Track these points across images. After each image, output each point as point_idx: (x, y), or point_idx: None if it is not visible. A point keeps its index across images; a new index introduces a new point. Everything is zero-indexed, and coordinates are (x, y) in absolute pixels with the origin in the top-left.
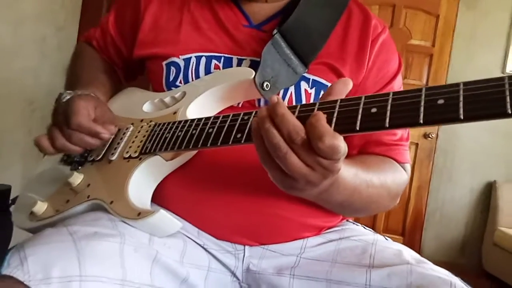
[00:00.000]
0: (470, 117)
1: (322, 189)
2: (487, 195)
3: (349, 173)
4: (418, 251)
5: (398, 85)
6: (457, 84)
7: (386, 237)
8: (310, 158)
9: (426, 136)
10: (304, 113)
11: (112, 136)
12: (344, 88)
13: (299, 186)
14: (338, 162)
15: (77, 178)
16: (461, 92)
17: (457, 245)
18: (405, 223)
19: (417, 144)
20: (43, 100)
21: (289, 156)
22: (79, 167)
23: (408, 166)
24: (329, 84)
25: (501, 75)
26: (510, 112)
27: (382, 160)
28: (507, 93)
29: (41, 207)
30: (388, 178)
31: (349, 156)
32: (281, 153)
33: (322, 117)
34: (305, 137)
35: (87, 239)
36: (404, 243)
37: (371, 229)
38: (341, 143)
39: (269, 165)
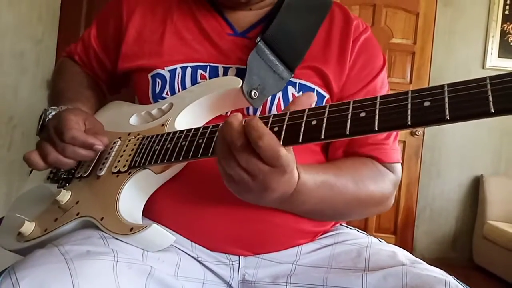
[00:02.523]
0: (456, 118)
1: (279, 199)
2: (475, 189)
3: (315, 182)
4: (411, 248)
5: (381, 81)
6: (442, 86)
7: (380, 239)
8: (251, 164)
9: (412, 134)
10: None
11: (105, 148)
12: (307, 101)
13: (243, 191)
14: (278, 173)
15: (65, 196)
16: (446, 93)
17: (448, 240)
18: (397, 221)
19: (404, 142)
20: (23, 116)
21: (230, 159)
22: (67, 184)
23: (397, 166)
24: (315, 87)
25: (481, 70)
26: (493, 112)
27: (363, 163)
28: (490, 92)
29: (28, 227)
30: (367, 183)
31: (333, 157)
32: (224, 154)
33: (259, 119)
34: (243, 138)
35: (80, 259)
36: (397, 242)
37: (364, 232)
38: (280, 148)
39: (219, 167)
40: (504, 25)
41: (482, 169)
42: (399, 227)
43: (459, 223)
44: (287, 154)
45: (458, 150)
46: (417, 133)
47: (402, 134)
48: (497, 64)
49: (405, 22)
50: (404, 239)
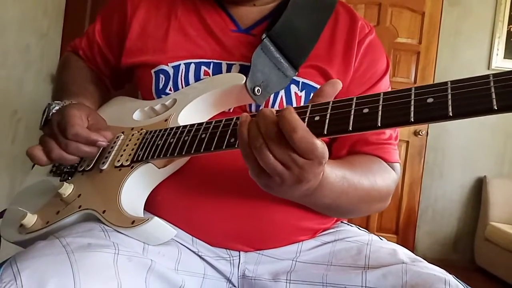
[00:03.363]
0: (459, 114)
1: (305, 192)
2: (478, 191)
3: (336, 176)
4: (412, 248)
5: (385, 85)
6: (445, 83)
7: (380, 237)
8: (285, 155)
9: (416, 133)
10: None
11: (108, 143)
12: (332, 89)
13: (274, 184)
14: (314, 165)
15: (67, 189)
16: (449, 90)
17: (450, 241)
18: (399, 221)
19: (407, 142)
20: (27, 110)
21: (264, 149)
22: (69, 178)
23: (398, 166)
24: (318, 86)
25: (487, 71)
26: (496, 108)
27: (371, 160)
28: (493, 89)
29: (31, 219)
30: (377, 179)
31: (338, 156)
32: (258, 144)
33: (293, 109)
34: (277, 130)
35: (81, 251)
36: (398, 242)
37: (365, 230)
38: (315, 140)
39: (248, 158)
40: (511, 26)
41: (485, 170)
42: (401, 227)
43: (461, 224)
44: (323, 145)
45: (462, 151)
46: (420, 133)
47: (406, 134)
48: (502, 65)
49: (410, 21)
50: (406, 239)
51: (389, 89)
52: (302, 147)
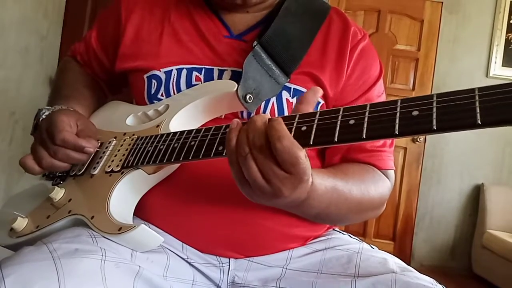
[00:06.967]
0: (443, 128)
1: (290, 204)
2: (476, 198)
3: (325, 188)
4: (409, 255)
5: (378, 91)
6: (431, 96)
7: (372, 246)
8: (267, 166)
9: (414, 140)
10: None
11: (96, 150)
12: (314, 97)
13: (254, 195)
14: (294, 180)
15: (58, 193)
16: (435, 103)
17: (447, 248)
18: (396, 227)
19: (405, 149)
20: (25, 111)
21: (249, 159)
22: (61, 182)
23: (392, 173)
24: None
25: (485, 78)
26: (480, 123)
27: (364, 169)
28: (477, 104)
29: (21, 223)
30: (370, 188)
31: (331, 163)
32: (243, 153)
33: (282, 120)
34: (264, 139)
35: (67, 257)
36: (395, 248)
37: (357, 238)
38: (300, 153)
39: (233, 166)
40: (509, 34)
41: (483, 177)
42: (398, 234)
43: (458, 231)
44: (306, 161)
45: (460, 158)
46: (418, 140)
47: (404, 140)
48: (500, 73)
49: (409, 28)
50: (403, 246)
51: (383, 95)
52: (285, 158)
